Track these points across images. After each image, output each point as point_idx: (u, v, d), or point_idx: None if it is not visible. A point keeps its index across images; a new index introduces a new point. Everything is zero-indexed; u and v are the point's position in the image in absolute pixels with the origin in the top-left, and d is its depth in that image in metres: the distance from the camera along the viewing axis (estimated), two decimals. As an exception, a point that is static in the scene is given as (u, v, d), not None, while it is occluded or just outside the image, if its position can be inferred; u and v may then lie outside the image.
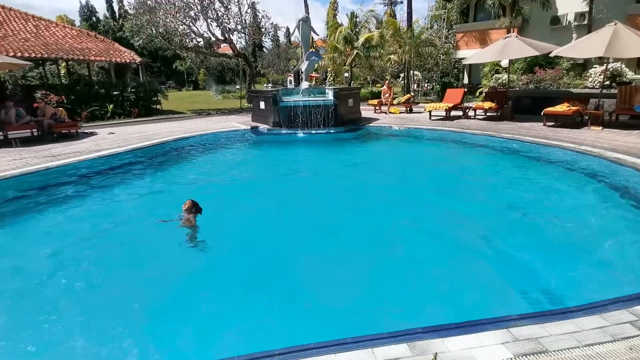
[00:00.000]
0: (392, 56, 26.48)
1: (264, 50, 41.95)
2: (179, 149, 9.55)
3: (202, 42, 19.75)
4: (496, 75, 15.50)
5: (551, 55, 11.15)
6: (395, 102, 15.62)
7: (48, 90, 13.91)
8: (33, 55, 14.02)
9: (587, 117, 10.11)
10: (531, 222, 4.78)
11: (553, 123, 10.55)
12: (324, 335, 2.64)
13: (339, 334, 2.61)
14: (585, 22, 17.15)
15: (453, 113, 13.11)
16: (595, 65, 13.60)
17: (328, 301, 3.25)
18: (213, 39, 19.40)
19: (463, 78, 22.95)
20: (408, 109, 15.38)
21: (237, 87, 40.84)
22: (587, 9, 17.07)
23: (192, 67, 52.01)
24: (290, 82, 26.73)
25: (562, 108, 10.23)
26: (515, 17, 16.75)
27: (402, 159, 8.84)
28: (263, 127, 11.54)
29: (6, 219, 5.03)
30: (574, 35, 17.55)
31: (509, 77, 12.80)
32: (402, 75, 30.13)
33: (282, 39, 45.48)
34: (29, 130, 10.37)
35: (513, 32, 13.92)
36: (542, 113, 10.39)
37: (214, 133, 11.12)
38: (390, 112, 15.04)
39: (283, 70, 40.14)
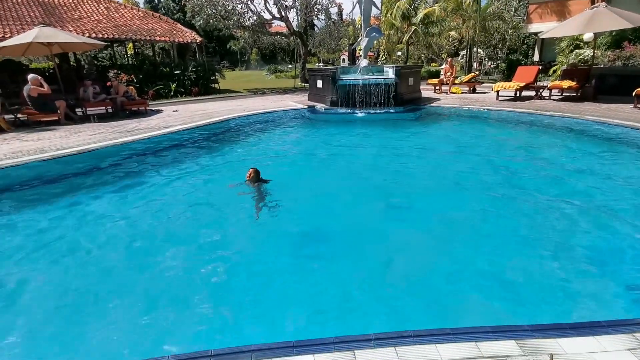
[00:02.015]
0: (452, 32, 24.91)
1: (315, 29, 41.36)
2: (240, 126, 9.74)
3: (257, 21, 19.78)
4: (577, 50, 13.94)
5: (649, 26, 9.76)
6: (457, 81, 14.71)
7: (119, 70, 14.75)
8: (106, 36, 14.88)
9: (690, 99, 8.82)
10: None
11: (646, 105, 9.33)
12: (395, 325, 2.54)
13: (424, 324, 2.49)
14: (688, -11, 14.81)
15: (524, 93, 12.09)
16: (700, 39, 11.76)
17: (403, 287, 3.11)
18: (269, 16, 19.34)
19: (533, 55, 21.03)
20: (471, 88, 14.44)
21: (290, 66, 40.95)
22: (691, -27, 14.70)
23: (245, 47, 52.83)
24: (344, 61, 26.16)
25: (658, 88, 8.99)
26: (602, -16, 14.83)
27: (471, 141, 8.20)
28: (320, 106, 11.40)
29: (101, 185, 5.58)
30: (673, 5, 15.27)
31: (594, 52, 11.43)
32: (461, 53, 28.36)
33: (334, 17, 44.49)
34: (104, 108, 11.10)
35: (599, 1, 12.35)
36: (633, 94, 9.20)
37: (272, 112, 11.18)
38: (451, 92, 14.21)
39: (334, 50, 39.44)
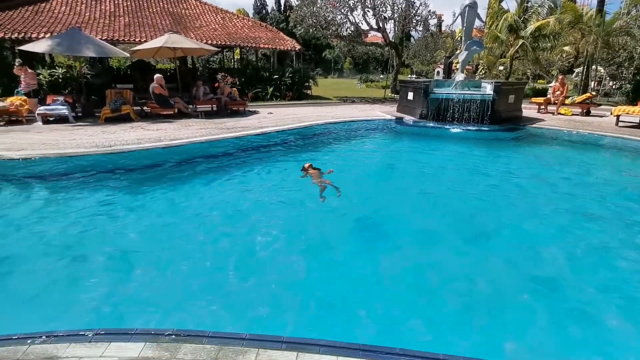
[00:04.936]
0: (566, 47, 22.51)
1: (411, 40, 40.76)
2: (327, 132, 10.08)
3: (354, 31, 20.28)
4: None
5: None
6: (567, 101, 13.24)
7: (226, 73, 16.35)
8: (219, 42, 16.64)
9: None
10: None
11: None
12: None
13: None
14: None
15: (653, 120, 10.41)
16: None
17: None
18: (367, 27, 19.68)
19: (669, 77, 17.94)
20: (584, 111, 12.86)
21: (381, 76, 40.98)
22: None
23: (339, 56, 54.46)
24: (439, 74, 25.36)
25: None
26: None
27: (576, 171, 7.27)
28: (408, 118, 11.24)
29: (203, 173, 6.47)
30: None
31: None
32: (576, 70, 25.41)
33: (432, 28, 43.36)
34: (210, 106, 12.40)
35: None
36: None
37: (359, 121, 11.34)
38: (559, 113, 12.85)
39: (429, 62, 38.38)
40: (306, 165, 6.13)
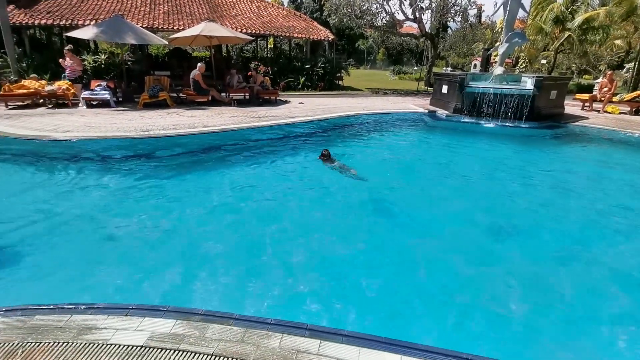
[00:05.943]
0: (617, 41, 21.07)
1: (448, 31, 39.39)
2: (358, 124, 9.99)
3: (389, 21, 19.84)
4: None
5: None
6: (616, 99, 12.42)
7: (259, 61, 16.48)
8: (254, 31, 16.77)
9: None
10: None
11: None
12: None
13: None
14: None
15: None
16: None
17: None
18: (403, 17, 19.20)
19: None
20: (634, 109, 12.03)
21: (415, 68, 40.01)
22: None
23: (372, 47, 53.57)
24: (475, 67, 24.48)
25: None
26: None
27: (624, 176, 6.71)
28: (442, 112, 10.95)
29: (232, 160, 6.70)
30: None
31: None
32: (627, 66, 23.72)
33: (471, 19, 41.62)
34: (243, 94, 12.57)
35: None
36: None
37: (390, 113, 11.17)
38: (605, 111, 12.10)
39: (466, 54, 37.03)
40: (324, 151, 6.43)
